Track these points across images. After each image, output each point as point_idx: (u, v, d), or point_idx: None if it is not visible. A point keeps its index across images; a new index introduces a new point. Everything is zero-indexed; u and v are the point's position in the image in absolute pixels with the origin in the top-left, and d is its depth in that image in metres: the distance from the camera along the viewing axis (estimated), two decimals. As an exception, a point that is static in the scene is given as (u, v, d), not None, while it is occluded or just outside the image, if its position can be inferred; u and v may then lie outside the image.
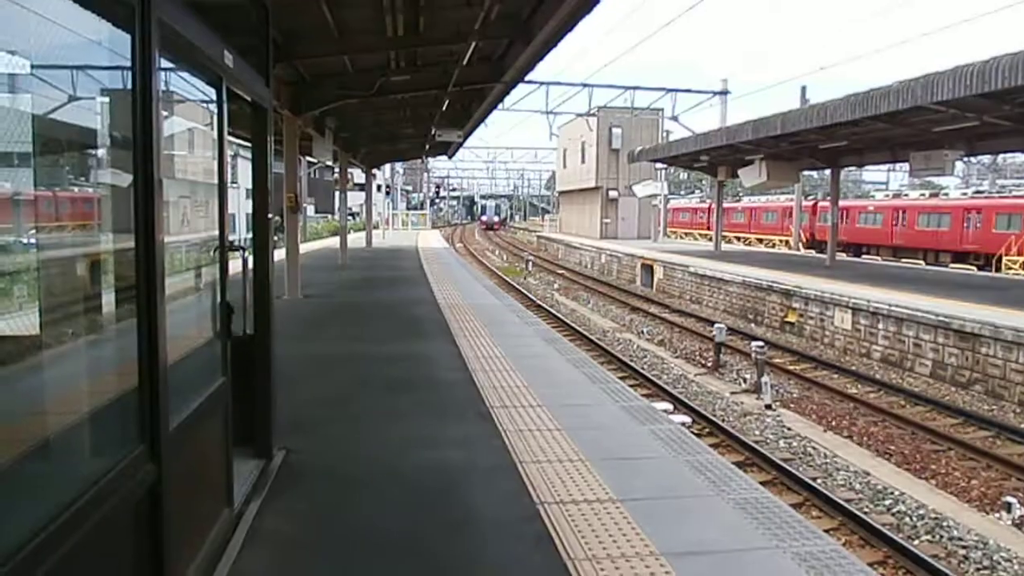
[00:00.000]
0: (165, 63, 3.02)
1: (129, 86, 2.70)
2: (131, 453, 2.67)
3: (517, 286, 27.18)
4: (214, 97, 3.92)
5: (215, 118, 3.99)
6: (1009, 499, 7.85)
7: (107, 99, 2.92)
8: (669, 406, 10.94)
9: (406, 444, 5.94)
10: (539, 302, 22.75)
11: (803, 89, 32.43)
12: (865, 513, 7.52)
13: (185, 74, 3.72)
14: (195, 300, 4.03)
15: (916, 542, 7.04)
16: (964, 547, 6.95)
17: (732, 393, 12.54)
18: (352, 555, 4.13)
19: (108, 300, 2.94)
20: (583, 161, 47.79)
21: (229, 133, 4.15)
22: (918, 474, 8.94)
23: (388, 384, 7.95)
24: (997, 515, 7.75)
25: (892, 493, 8.15)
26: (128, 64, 2.68)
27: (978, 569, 6.62)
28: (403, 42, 12.18)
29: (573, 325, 18.61)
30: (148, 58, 2.71)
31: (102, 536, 2.39)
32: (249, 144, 5.32)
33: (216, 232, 4.01)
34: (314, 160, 31.29)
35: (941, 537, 7.18)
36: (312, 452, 5.69)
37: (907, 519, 7.56)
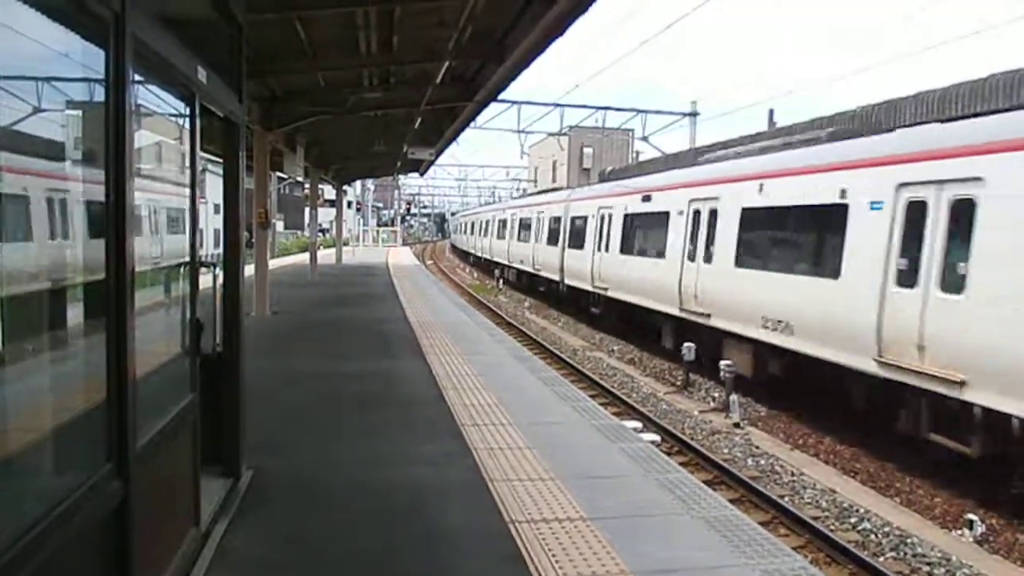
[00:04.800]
0: (138, 77, 3.02)
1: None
2: (98, 471, 2.63)
3: (488, 304, 27.16)
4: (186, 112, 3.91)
5: (187, 133, 3.97)
6: (971, 516, 7.98)
7: (79, 112, 2.89)
8: (639, 424, 10.97)
9: (376, 463, 5.90)
10: (510, 320, 22.76)
11: (771, 112, 32.94)
12: (831, 530, 7.59)
13: (156, 88, 3.70)
14: (164, 316, 3.99)
15: (881, 559, 7.12)
16: (928, 564, 7.04)
17: (701, 412, 12.61)
18: (320, 575, 4.09)
19: (75, 315, 2.90)
20: (554, 180, 48.14)
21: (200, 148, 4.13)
22: (883, 492, 9.05)
23: (358, 403, 7.90)
24: (960, 532, 7.87)
25: (858, 510, 8.24)
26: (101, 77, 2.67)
27: (941, 586, 6.72)
28: (376, 60, 12.21)
29: (544, 343, 18.63)
30: (121, 73, 2.70)
31: (68, 556, 2.35)
32: (218, 159, 5.30)
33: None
34: (284, 176, 31.15)
35: (906, 554, 7.27)
36: (281, 471, 5.63)
37: (872, 536, 7.65)
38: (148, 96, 3.61)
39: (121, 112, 2.70)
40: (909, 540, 7.49)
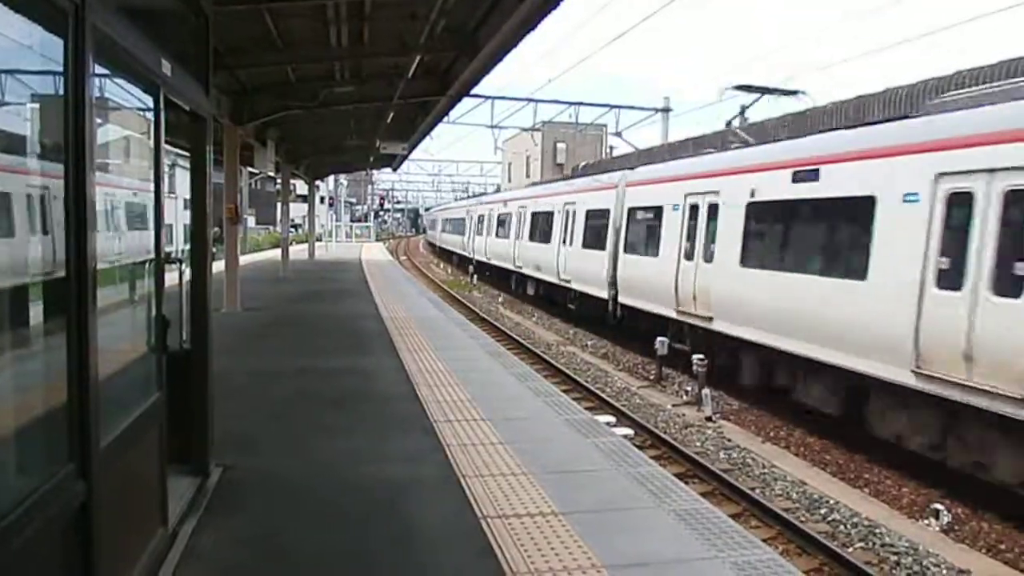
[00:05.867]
0: (100, 69, 2.96)
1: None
2: (59, 472, 2.58)
3: (462, 299, 27.12)
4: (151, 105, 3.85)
5: (151, 126, 3.91)
6: (937, 506, 8.11)
7: (37, 105, 2.83)
8: (612, 419, 11.01)
9: (347, 460, 5.87)
10: (484, 315, 22.73)
11: (742, 108, 33.19)
12: (802, 522, 7.68)
13: (119, 80, 3.63)
14: (129, 313, 3.92)
15: (850, 549, 7.21)
16: (896, 553, 7.15)
17: (674, 405, 12.69)
18: (290, 574, 4.05)
19: (35, 312, 2.84)
20: (528, 175, 48.13)
21: (166, 142, 4.07)
22: (852, 483, 9.17)
23: (330, 399, 7.84)
24: (926, 522, 8.00)
25: (827, 502, 8.34)
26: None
27: (909, 574, 6.81)
28: (347, 53, 12.12)
29: (518, 338, 18.64)
30: (81, 64, 2.65)
31: (29, 557, 2.30)
32: (188, 153, 5.22)
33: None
34: (256, 171, 30.82)
35: (874, 544, 7.37)
36: (251, 469, 5.57)
37: (842, 527, 7.75)
38: (111, 88, 3.55)
39: (81, 105, 2.65)
40: (877, 530, 7.60)
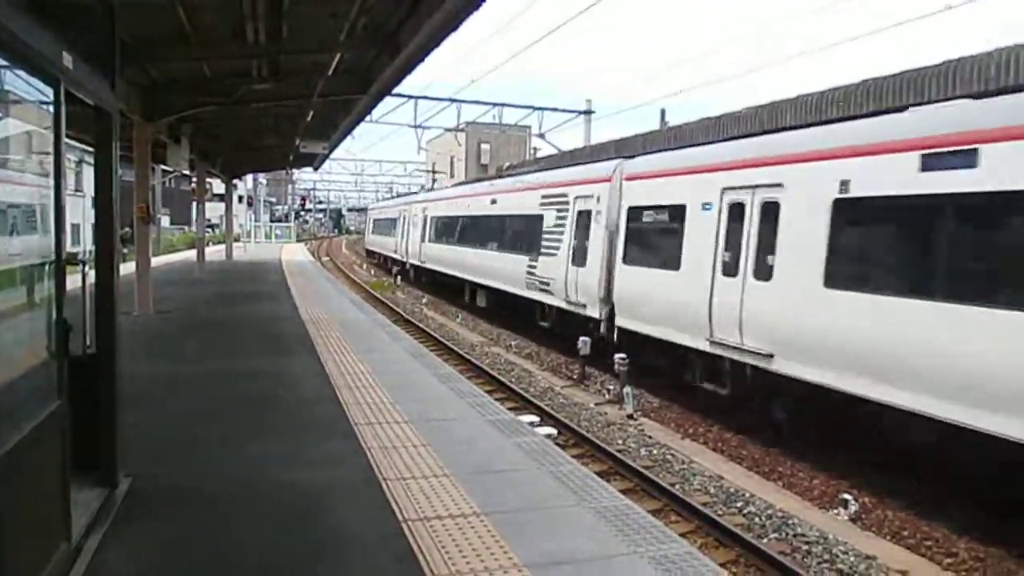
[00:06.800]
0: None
1: None
2: None
3: (385, 300, 26.84)
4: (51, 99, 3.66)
5: (52, 121, 3.72)
6: (846, 496, 8.45)
7: None
8: (535, 418, 11.07)
9: (265, 465, 5.72)
10: (407, 317, 22.54)
11: (662, 112, 33.97)
12: (719, 515, 7.88)
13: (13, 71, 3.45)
14: (23, 318, 3.72)
15: (765, 540, 7.44)
16: (807, 543, 7.41)
17: (596, 404, 12.85)
18: (204, 585, 3.92)
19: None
20: (452, 175, 48.04)
21: (72, 137, 3.89)
22: (767, 476, 9.46)
23: (247, 403, 7.65)
24: (836, 511, 8.33)
25: (744, 495, 8.58)
26: None
27: (819, 562, 7.08)
28: (265, 50, 11.83)
29: (442, 339, 18.56)
30: None
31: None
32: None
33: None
34: (170, 168, 29.82)
35: (787, 534, 7.62)
36: (163, 477, 5.38)
37: (757, 519, 7.98)
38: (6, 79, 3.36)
39: None
40: (790, 521, 7.86)
